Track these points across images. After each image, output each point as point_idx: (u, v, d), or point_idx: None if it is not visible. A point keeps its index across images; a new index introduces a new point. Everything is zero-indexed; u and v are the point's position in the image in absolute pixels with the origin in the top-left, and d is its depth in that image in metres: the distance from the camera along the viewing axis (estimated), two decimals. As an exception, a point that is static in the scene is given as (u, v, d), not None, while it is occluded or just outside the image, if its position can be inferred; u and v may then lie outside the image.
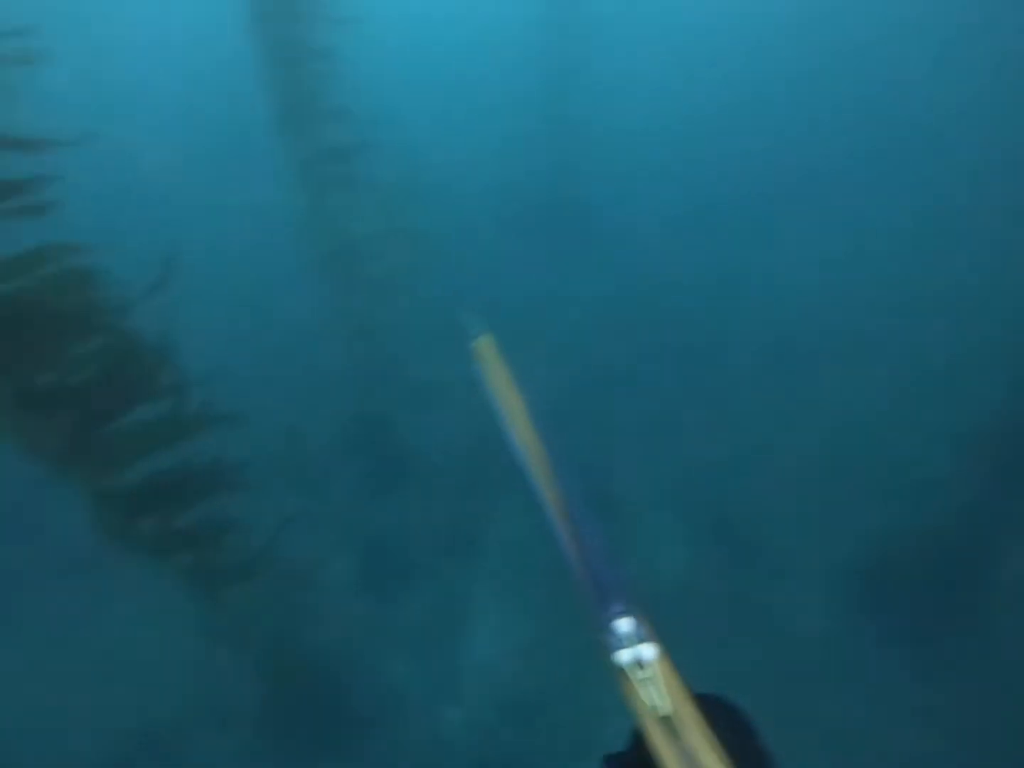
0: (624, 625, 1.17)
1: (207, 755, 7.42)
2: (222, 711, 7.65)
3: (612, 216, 14.55)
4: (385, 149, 10.19)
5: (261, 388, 10.12)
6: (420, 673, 7.88)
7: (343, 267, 9.99)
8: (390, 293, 10.59)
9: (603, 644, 1.18)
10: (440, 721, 7.50)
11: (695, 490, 9.38)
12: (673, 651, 1.18)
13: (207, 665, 7.63)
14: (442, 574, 8.77)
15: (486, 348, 2.05)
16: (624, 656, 1.15)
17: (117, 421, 4.89)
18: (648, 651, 1.14)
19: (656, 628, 1.18)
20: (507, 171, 15.60)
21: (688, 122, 17.49)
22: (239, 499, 5.92)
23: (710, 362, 11.24)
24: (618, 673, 1.15)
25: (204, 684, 7.75)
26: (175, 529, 5.64)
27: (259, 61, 9.38)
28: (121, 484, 5.18)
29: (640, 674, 1.13)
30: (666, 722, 1.07)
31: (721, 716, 1.11)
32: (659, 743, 1.05)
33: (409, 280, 10.86)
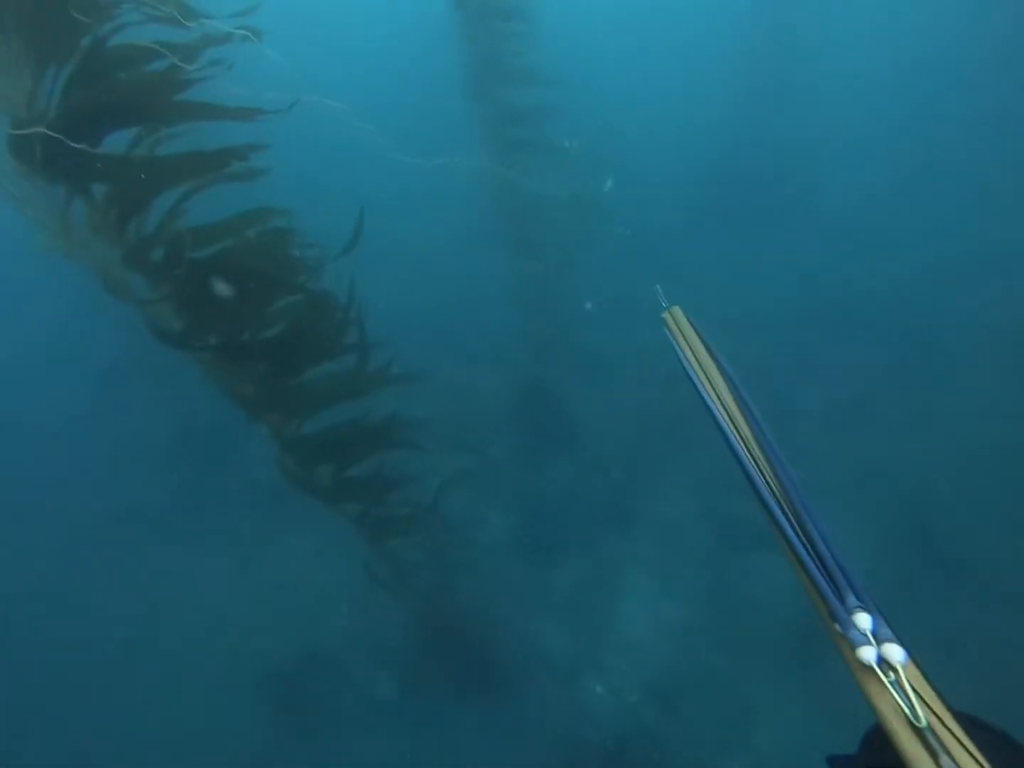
0: (863, 620, 1.09)
1: (360, 682, 7.89)
2: (377, 647, 8.08)
3: (812, 191, 13.50)
4: (573, 113, 9.99)
5: (437, 349, 10.43)
6: (566, 641, 7.88)
7: (525, 232, 9.99)
8: (570, 260, 10.48)
9: (839, 637, 1.11)
10: (581, 691, 7.47)
11: (890, 490, 8.50)
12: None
13: (366, 605, 8.08)
14: (598, 547, 8.69)
15: (676, 321, 1.96)
16: (867, 653, 1.05)
17: (304, 375, 5.18)
18: (895, 652, 1.05)
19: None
20: (699, 141, 14.90)
21: (897, 94, 15.88)
22: (408, 456, 6.13)
23: (918, 348, 10.09)
24: (858, 671, 1.06)
25: (362, 621, 8.21)
26: (348, 478, 5.94)
27: (453, 21, 9.45)
28: (303, 432, 5.50)
29: (887, 676, 1.03)
30: (923, 734, 0.95)
31: (999, 747, 0.98)
32: (914, 756, 0.94)
33: (591, 248, 10.69)
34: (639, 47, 20.01)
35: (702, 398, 1.66)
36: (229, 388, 4.98)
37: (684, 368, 1.78)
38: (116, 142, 3.27)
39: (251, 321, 4.58)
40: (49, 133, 2.69)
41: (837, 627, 1.12)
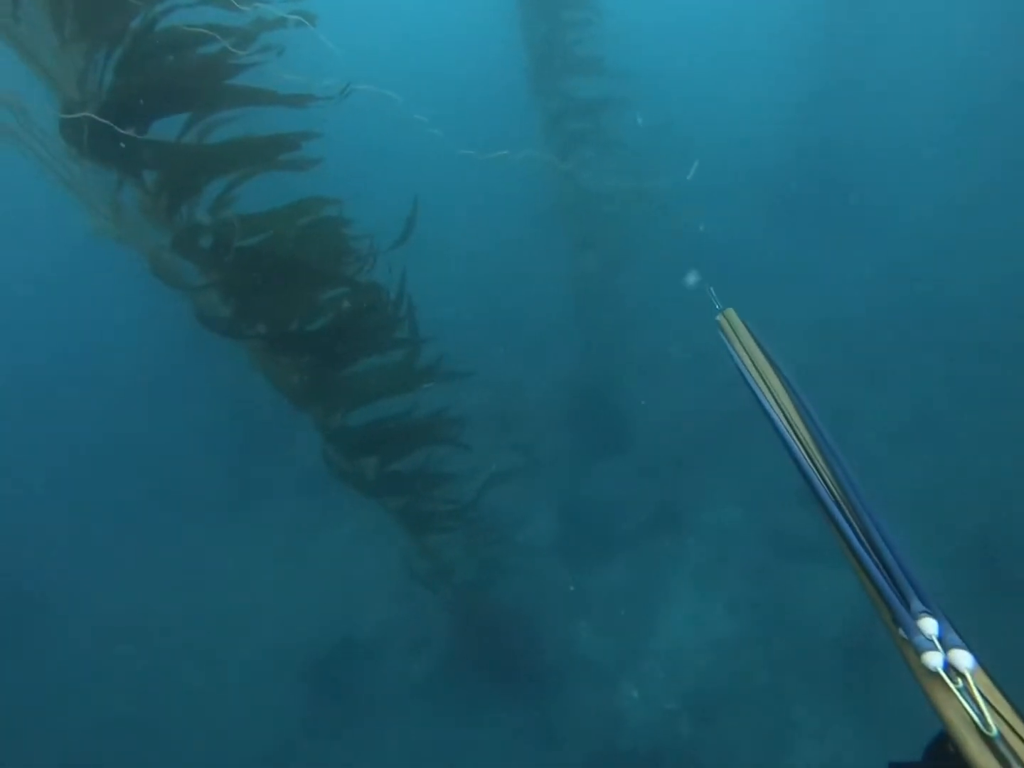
0: (929, 626, 1.06)
1: (395, 673, 7.94)
2: (413, 639, 8.12)
3: (881, 196, 12.95)
4: (638, 105, 9.73)
5: (489, 345, 10.35)
6: (605, 645, 7.75)
7: (581, 225, 9.78)
8: (628, 256, 10.24)
9: (903, 643, 1.08)
10: (618, 697, 7.33)
11: (955, 507, 8.02)
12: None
13: (405, 597, 8.08)
14: (642, 551, 8.52)
15: (731, 323, 1.93)
16: (933, 659, 1.01)
17: (351, 367, 5.13)
18: (963, 658, 1.01)
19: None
20: (768, 141, 14.44)
21: (976, 96, 15.12)
22: (454, 452, 6.05)
23: (990, 361, 9.62)
24: (923, 677, 1.02)
25: (400, 612, 8.24)
26: (391, 472, 5.89)
27: (513, 8, 9.28)
28: (348, 424, 5.46)
29: (955, 683, 0.99)
30: (994, 744, 0.91)
31: None
32: (985, 764, 0.89)
33: (650, 244, 10.43)
34: (708, 38, 19.56)
35: (758, 401, 1.63)
36: (275, 377, 4.96)
37: (739, 371, 1.75)
38: (166, 127, 3.23)
39: (299, 312, 4.53)
40: (96, 119, 2.65)
41: (901, 632, 1.08)
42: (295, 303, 4.45)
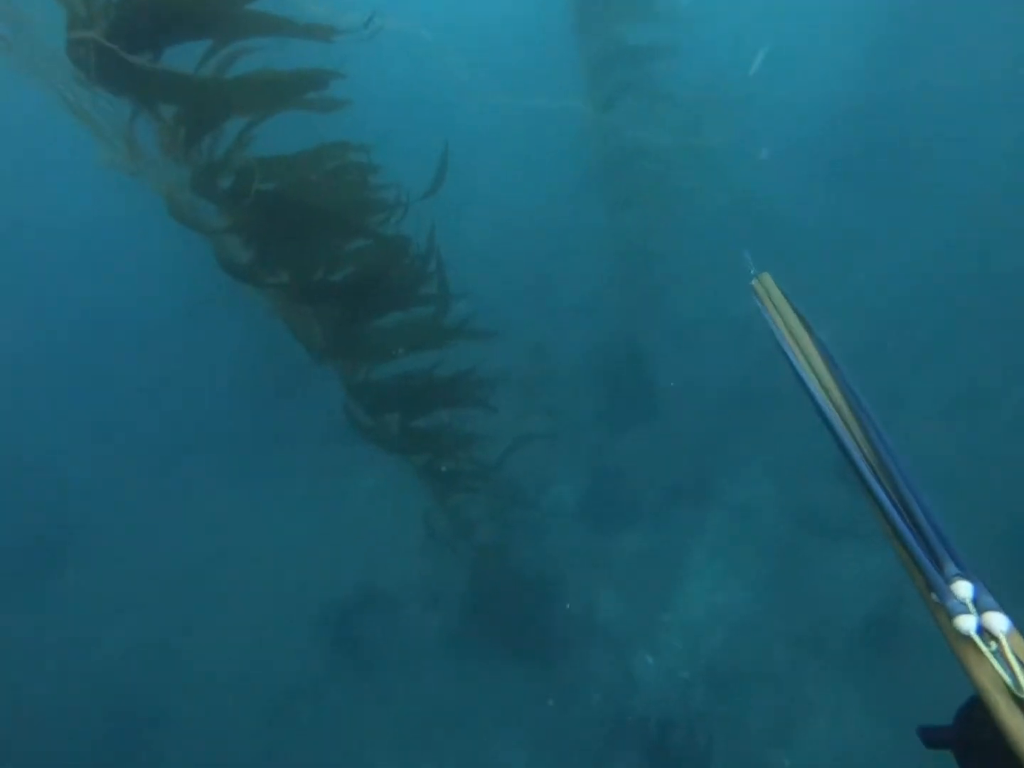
0: (963, 589, 1.05)
1: (414, 626, 8.00)
2: (433, 595, 8.16)
3: (938, 165, 12.27)
4: (690, 55, 9.22)
5: (520, 304, 10.12)
6: (622, 612, 7.70)
7: (622, 182, 9.39)
8: (668, 216, 9.85)
9: (936, 607, 1.06)
10: (633, 663, 7.28)
11: (993, 488, 7.60)
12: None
13: (426, 554, 8.05)
14: (666, 520, 8.41)
15: (766, 288, 1.89)
16: (966, 623, 1.00)
17: (376, 321, 4.98)
18: (998, 621, 1.00)
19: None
20: (826, 99, 13.78)
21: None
22: (480, 412, 5.93)
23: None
24: (956, 641, 1.01)
25: (421, 568, 8.22)
26: (415, 430, 5.78)
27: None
28: (372, 379, 5.33)
29: (988, 645, 0.98)
30: None
31: None
32: (1015, 728, 0.88)
33: (693, 204, 10.03)
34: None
35: (792, 366, 1.61)
36: (297, 328, 4.83)
37: (774, 336, 1.73)
38: (184, 57, 3.01)
39: (323, 261, 4.37)
40: (103, 42, 2.44)
41: (935, 597, 1.07)
42: (319, 252, 4.30)
